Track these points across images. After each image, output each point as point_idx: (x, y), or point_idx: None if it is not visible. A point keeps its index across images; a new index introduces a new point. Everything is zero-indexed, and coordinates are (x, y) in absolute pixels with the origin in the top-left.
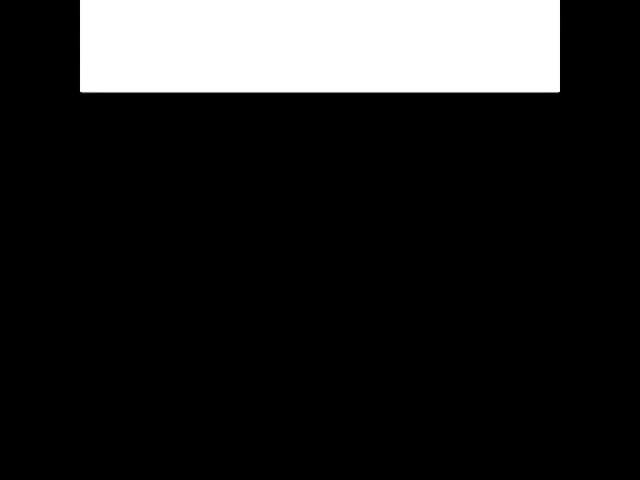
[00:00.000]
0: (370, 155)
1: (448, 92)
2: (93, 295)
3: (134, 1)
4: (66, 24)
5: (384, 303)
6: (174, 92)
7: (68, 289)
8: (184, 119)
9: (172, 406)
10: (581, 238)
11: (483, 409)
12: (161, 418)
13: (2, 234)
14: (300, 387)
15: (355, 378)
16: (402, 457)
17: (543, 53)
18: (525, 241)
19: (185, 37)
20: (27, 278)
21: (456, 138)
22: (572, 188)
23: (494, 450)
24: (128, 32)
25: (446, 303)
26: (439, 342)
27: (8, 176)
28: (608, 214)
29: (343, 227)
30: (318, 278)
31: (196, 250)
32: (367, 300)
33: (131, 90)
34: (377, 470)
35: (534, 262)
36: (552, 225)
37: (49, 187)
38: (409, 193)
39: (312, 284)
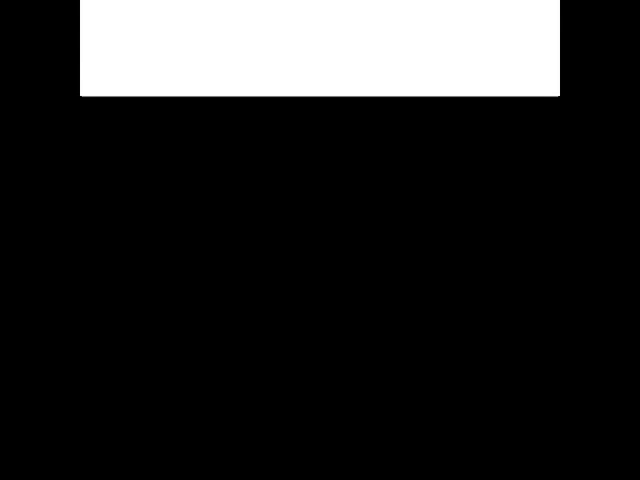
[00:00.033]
0: (371, 159)
1: (449, 96)
2: (93, 298)
3: (134, 5)
4: (66, 28)
5: (383, 308)
6: (174, 96)
7: (68, 292)
8: (184, 123)
9: (172, 406)
10: (581, 240)
11: (483, 409)
12: (161, 418)
13: (2, 237)
14: (300, 387)
15: (355, 378)
16: (402, 457)
17: (543, 57)
18: (526, 244)
19: (184, 41)
20: (27, 280)
21: (457, 142)
22: (572, 191)
23: (494, 450)
24: (128, 36)
25: (446, 307)
26: (439, 342)
27: (8, 179)
28: (608, 217)
29: (343, 231)
30: (317, 282)
31: (195, 253)
32: (366, 304)
33: (131, 94)
34: (377, 470)
35: (535, 264)
36: (553, 228)
37: (49, 190)
38: (410, 197)
39: (311, 288)
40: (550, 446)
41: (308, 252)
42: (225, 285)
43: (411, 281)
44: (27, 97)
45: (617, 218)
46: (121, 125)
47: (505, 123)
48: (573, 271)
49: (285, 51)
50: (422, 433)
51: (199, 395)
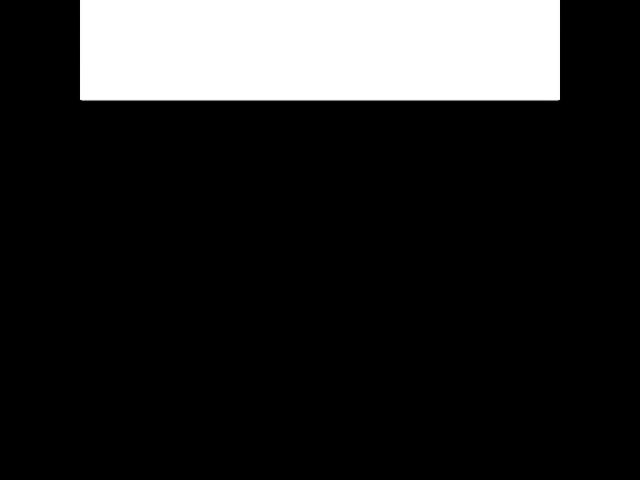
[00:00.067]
0: (370, 163)
1: (449, 100)
2: (94, 299)
3: (134, 9)
4: (66, 32)
5: (382, 311)
6: (174, 100)
7: (69, 293)
8: (184, 127)
9: (172, 406)
10: (581, 244)
11: (483, 409)
12: (161, 418)
13: (3, 241)
14: (300, 387)
15: (355, 378)
16: (402, 457)
17: (543, 61)
18: (526, 247)
19: (184, 45)
20: (28, 282)
21: (456, 146)
22: (572, 195)
23: (494, 450)
24: (128, 40)
25: (446, 310)
26: (439, 342)
27: (9, 183)
28: (608, 221)
29: (344, 234)
30: (316, 285)
31: (195, 257)
32: (365, 307)
33: (131, 98)
34: (377, 470)
35: (535, 267)
36: (553, 232)
37: (50, 194)
38: (410, 201)
39: (310, 292)
40: (550, 446)
41: (309, 255)
42: (225, 286)
43: (411, 283)
44: (27, 101)
45: (616, 221)
46: (121, 129)
47: (505, 127)
48: (573, 273)
49: (286, 55)
50: (422, 433)
51: (199, 395)
